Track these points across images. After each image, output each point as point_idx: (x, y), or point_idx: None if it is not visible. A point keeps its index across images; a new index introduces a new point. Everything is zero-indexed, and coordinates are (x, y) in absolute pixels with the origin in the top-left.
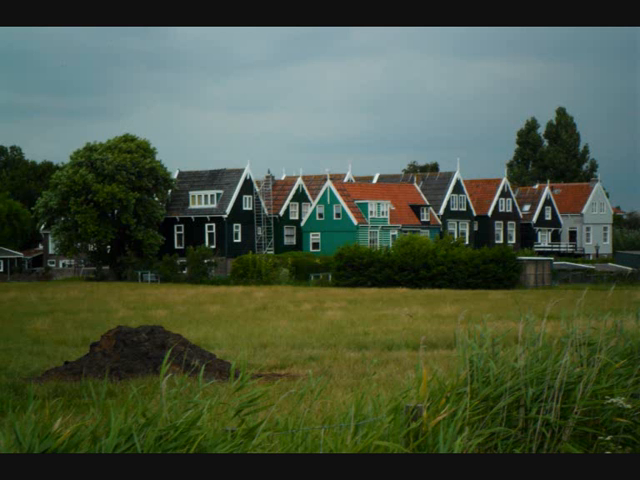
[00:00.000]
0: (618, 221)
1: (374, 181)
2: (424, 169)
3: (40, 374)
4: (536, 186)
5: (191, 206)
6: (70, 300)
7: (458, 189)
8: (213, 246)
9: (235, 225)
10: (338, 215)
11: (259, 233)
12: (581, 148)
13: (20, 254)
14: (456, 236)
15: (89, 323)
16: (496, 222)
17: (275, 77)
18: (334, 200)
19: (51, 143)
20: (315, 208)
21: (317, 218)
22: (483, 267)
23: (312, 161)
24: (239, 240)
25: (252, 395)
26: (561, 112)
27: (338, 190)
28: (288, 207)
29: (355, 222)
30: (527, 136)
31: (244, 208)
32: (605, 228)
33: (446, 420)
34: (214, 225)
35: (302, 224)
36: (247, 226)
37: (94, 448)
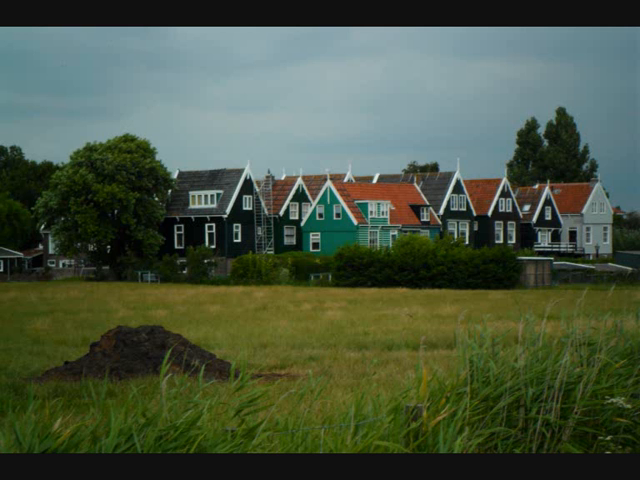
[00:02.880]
0: (618, 221)
1: (374, 181)
2: (424, 169)
3: (40, 374)
4: (536, 186)
5: (191, 206)
6: (70, 300)
7: (458, 189)
8: (213, 246)
9: (235, 225)
10: (338, 215)
11: (259, 233)
12: (581, 148)
13: (20, 254)
14: (456, 236)
15: (89, 323)
16: (496, 222)
17: (275, 77)
18: (334, 200)
19: (51, 143)
20: (315, 208)
21: (317, 218)
22: (483, 267)
23: (312, 161)
24: (239, 240)
25: (252, 395)
26: (561, 112)
27: (338, 190)
28: (288, 207)
29: (355, 222)
30: (527, 136)
31: (244, 208)
32: (605, 228)
33: (446, 420)
34: (214, 225)
35: (302, 224)
36: (247, 226)
37: (94, 448)
